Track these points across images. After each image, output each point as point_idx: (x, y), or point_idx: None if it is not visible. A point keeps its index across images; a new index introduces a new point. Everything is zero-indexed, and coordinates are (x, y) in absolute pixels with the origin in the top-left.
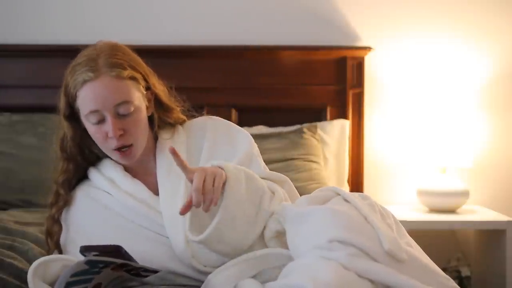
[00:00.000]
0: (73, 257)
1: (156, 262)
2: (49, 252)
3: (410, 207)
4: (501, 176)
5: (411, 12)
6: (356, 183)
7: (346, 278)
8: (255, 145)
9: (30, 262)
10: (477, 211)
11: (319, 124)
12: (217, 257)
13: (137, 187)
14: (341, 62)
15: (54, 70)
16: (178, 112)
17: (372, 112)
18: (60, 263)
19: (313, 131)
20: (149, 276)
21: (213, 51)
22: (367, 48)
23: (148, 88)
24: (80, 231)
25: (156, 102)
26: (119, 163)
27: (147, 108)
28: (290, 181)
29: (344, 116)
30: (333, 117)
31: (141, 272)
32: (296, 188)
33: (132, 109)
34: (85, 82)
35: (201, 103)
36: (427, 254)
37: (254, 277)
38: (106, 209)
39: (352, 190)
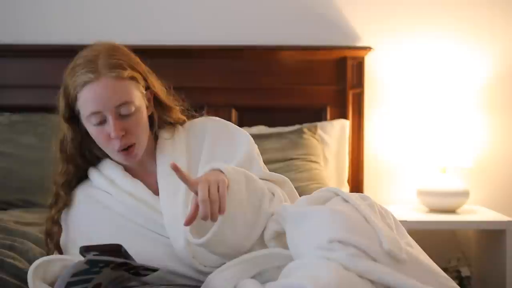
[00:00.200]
0: (73, 257)
1: (156, 262)
2: (49, 253)
3: (410, 207)
4: (501, 176)
5: (411, 12)
6: (356, 183)
7: (347, 279)
8: (255, 145)
9: (30, 262)
10: (477, 211)
11: (319, 124)
12: (217, 258)
13: (137, 187)
14: (341, 62)
15: (54, 70)
16: (177, 112)
17: (372, 112)
18: (60, 263)
19: (313, 131)
20: (148, 274)
21: (213, 51)
22: (367, 48)
23: (147, 87)
24: (80, 231)
25: (155, 102)
26: (120, 163)
27: (147, 107)
28: (290, 182)
29: (344, 116)
30: (333, 117)
31: (140, 271)
32: (296, 188)
33: (133, 109)
34: (85, 83)
35: (201, 103)
36: (427, 254)
37: (254, 277)
38: (106, 209)
39: (352, 190)
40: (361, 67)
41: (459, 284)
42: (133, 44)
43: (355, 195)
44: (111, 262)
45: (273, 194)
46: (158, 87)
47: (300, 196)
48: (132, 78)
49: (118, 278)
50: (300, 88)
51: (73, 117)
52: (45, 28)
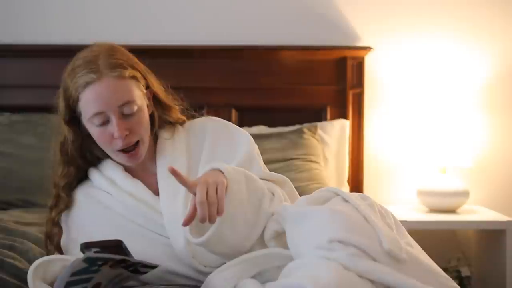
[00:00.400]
0: (74, 257)
1: (156, 262)
2: (48, 255)
3: (410, 207)
4: (501, 176)
5: (411, 12)
6: (356, 183)
7: (347, 278)
8: (255, 145)
9: (30, 262)
10: (477, 211)
11: (319, 124)
12: (217, 258)
13: (138, 187)
14: (341, 62)
15: (54, 70)
16: (177, 111)
17: (372, 112)
18: (60, 263)
19: (313, 131)
20: (147, 271)
21: (214, 51)
22: (367, 48)
23: (147, 87)
24: (81, 231)
25: (155, 101)
26: (120, 164)
27: (148, 106)
28: (290, 182)
29: (344, 116)
30: (333, 117)
31: (139, 267)
32: (296, 188)
33: (135, 108)
34: (87, 84)
35: (201, 103)
36: (427, 254)
37: (254, 277)
38: (107, 209)
39: (352, 190)
40: (361, 67)
41: (459, 284)
42: (134, 44)
43: (355, 195)
44: (110, 259)
45: (273, 194)
46: (157, 86)
47: (300, 196)
48: (133, 77)
49: (118, 277)
50: (300, 88)
51: (73, 119)
52: (45, 28)
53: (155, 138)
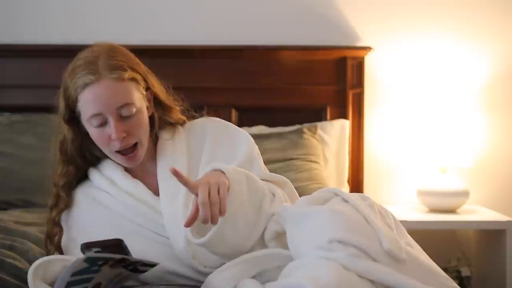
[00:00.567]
0: (74, 257)
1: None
2: (48, 255)
3: (410, 207)
4: (501, 176)
5: (411, 12)
6: (356, 183)
7: (346, 279)
8: (256, 146)
9: (30, 262)
10: (477, 211)
11: (319, 124)
12: (217, 258)
13: (138, 187)
14: (341, 62)
15: (54, 70)
16: (177, 112)
17: (372, 112)
18: (60, 263)
19: (313, 131)
20: (147, 270)
21: (213, 51)
22: (367, 48)
23: (147, 88)
24: (81, 231)
25: (155, 102)
26: (120, 164)
27: (148, 108)
28: (290, 182)
29: (344, 116)
30: (333, 117)
31: (139, 266)
32: (296, 188)
33: (134, 110)
34: (86, 85)
35: (201, 103)
36: (427, 254)
37: (254, 277)
38: (107, 209)
39: (352, 190)
40: (361, 67)
41: (459, 284)
42: (134, 44)
43: (355, 195)
44: (110, 259)
45: (274, 195)
46: (158, 87)
47: (300, 196)
48: (133, 79)
49: (117, 276)
50: (300, 88)
51: (73, 118)
52: (45, 28)
53: (155, 138)
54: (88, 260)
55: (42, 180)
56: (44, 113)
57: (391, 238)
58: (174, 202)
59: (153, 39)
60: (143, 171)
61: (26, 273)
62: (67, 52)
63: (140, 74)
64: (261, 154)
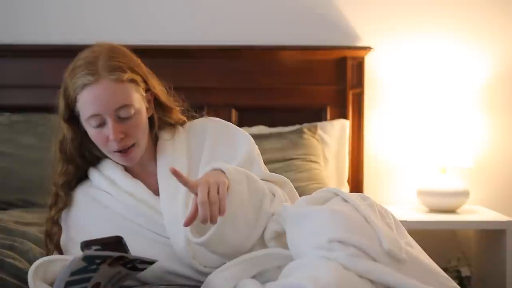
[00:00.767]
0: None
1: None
2: (48, 254)
3: (410, 207)
4: (501, 176)
5: (411, 12)
6: (356, 183)
7: (346, 278)
8: (256, 146)
9: (30, 262)
10: (477, 211)
11: (319, 124)
12: (217, 258)
13: (138, 187)
14: (341, 62)
15: (54, 70)
16: (177, 112)
17: (372, 112)
18: (60, 263)
19: (313, 131)
20: (145, 268)
21: (212, 51)
22: (367, 48)
23: (147, 89)
24: (80, 231)
25: (155, 103)
26: (120, 164)
27: (147, 109)
28: (290, 182)
29: (344, 116)
30: (333, 117)
31: (137, 264)
32: (296, 188)
33: (132, 112)
34: (85, 86)
35: (201, 103)
36: (427, 254)
37: (254, 277)
38: (107, 209)
39: (352, 190)
40: (361, 67)
41: (459, 284)
42: (132, 44)
43: (355, 195)
44: (108, 257)
45: (274, 195)
46: (159, 88)
47: (300, 196)
48: (132, 81)
49: (116, 276)
50: (300, 88)
51: (73, 118)
52: (45, 28)
53: (155, 138)
54: (86, 258)
55: (42, 180)
56: (44, 113)
57: (391, 238)
58: (174, 202)
59: (151, 39)
60: (143, 171)
61: (26, 273)
62: (67, 52)
63: (140, 75)
64: (261, 154)
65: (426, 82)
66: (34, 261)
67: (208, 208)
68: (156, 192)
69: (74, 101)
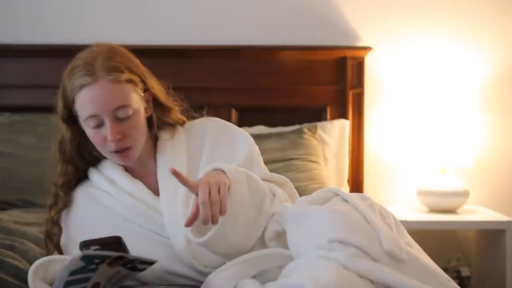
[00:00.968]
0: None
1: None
2: (48, 255)
3: (410, 207)
4: (501, 176)
5: (411, 12)
6: (356, 183)
7: (346, 278)
8: (256, 146)
9: (30, 262)
10: (477, 211)
11: (319, 124)
12: (217, 258)
13: (138, 187)
14: (341, 62)
15: (54, 70)
16: (177, 112)
17: (372, 112)
18: (61, 263)
19: (313, 131)
20: (145, 268)
21: (212, 51)
22: (367, 48)
23: (146, 89)
24: (80, 231)
25: (154, 103)
26: (120, 164)
27: (146, 109)
28: (290, 182)
29: (344, 116)
30: (333, 117)
31: (136, 264)
32: (296, 188)
33: (130, 112)
34: (82, 86)
35: (201, 103)
36: (427, 254)
37: (254, 277)
38: (106, 209)
39: (352, 190)
40: (361, 67)
41: (459, 284)
42: (132, 44)
43: (355, 195)
44: (107, 257)
45: (274, 195)
46: (157, 88)
47: (300, 196)
48: (130, 81)
49: (116, 276)
50: (300, 88)
51: (71, 118)
52: (45, 28)
53: (155, 138)
54: (84, 258)
55: (42, 180)
56: (44, 113)
57: (391, 238)
58: (174, 202)
59: (151, 39)
60: (143, 171)
61: (26, 273)
62: (67, 52)
63: (138, 75)
64: (261, 154)
65: (426, 82)
66: (34, 261)
67: (209, 208)
68: (156, 192)
69: (72, 101)
